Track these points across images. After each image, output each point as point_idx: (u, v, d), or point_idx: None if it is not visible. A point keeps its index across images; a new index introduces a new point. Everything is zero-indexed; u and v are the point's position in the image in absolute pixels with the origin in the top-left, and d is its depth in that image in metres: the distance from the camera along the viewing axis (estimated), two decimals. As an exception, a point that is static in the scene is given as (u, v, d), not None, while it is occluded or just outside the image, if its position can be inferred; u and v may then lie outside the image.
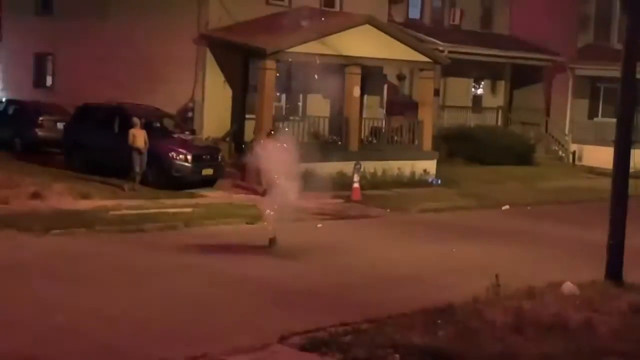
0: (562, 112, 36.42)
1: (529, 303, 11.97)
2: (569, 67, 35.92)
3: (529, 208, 23.62)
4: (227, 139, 25.43)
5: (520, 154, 32.70)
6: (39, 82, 31.61)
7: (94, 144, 23.43)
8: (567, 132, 36.11)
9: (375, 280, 13.98)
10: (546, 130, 36.42)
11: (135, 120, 21.87)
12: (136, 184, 21.48)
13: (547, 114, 36.66)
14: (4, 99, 30.99)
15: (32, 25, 31.35)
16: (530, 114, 35.76)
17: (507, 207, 23.45)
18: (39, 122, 27.29)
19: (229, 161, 24.27)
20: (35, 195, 19.47)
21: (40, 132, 27.14)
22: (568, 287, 12.88)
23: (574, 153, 35.35)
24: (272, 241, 15.75)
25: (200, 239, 16.56)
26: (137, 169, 21.50)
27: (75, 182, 21.55)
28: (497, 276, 12.38)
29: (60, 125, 26.33)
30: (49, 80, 31.52)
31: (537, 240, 18.63)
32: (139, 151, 21.53)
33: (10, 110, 28.67)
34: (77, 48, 29.38)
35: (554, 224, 21.01)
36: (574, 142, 35.59)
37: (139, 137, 21.60)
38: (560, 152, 36.10)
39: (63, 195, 19.89)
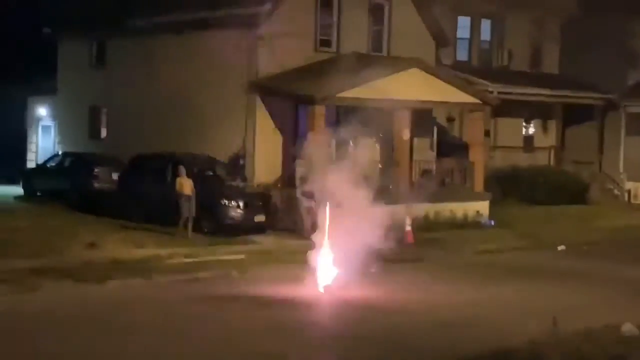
0: (616, 150, 35.99)
1: (588, 345, 11.76)
2: (620, 104, 35.56)
3: (585, 248, 23.29)
4: (279, 185, 25.54)
5: (574, 193, 32.33)
6: (93, 133, 32.15)
7: (147, 193, 23.71)
8: (621, 170, 35.64)
9: (429, 324, 13.87)
10: (600, 169, 35.98)
11: (182, 168, 22.15)
12: (187, 231, 21.66)
13: (601, 152, 36.25)
14: (60, 152, 31.60)
15: (86, 78, 31.98)
16: (583, 152, 35.38)
17: (563, 247, 23.16)
18: (94, 173, 27.74)
19: (280, 207, 24.35)
20: (91, 246, 19.74)
21: (95, 183, 27.56)
22: (628, 328, 12.63)
23: (629, 191, 34.83)
24: (327, 287, 15.72)
25: (255, 286, 16.59)
26: (186, 216, 21.70)
27: (130, 232, 21.81)
28: (554, 318, 12.21)
29: (115, 176, 26.72)
30: (103, 132, 32.05)
31: (593, 280, 18.36)
32: (187, 198, 21.76)
33: (67, 163, 29.24)
34: (130, 99, 29.89)
35: (611, 264, 20.68)
36: (628, 180, 35.10)
37: (186, 184, 21.87)
38: (615, 191, 35.59)
39: (118, 245, 20.13)
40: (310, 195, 23.60)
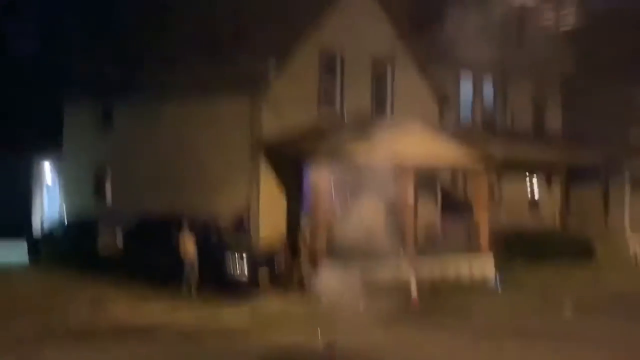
0: (621, 208, 35.98)
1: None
2: (625, 163, 35.65)
3: (594, 307, 23.11)
4: (283, 243, 25.49)
5: (580, 252, 32.21)
6: (99, 195, 32.20)
7: (152, 254, 23.67)
8: (627, 227, 35.56)
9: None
10: (606, 227, 35.93)
11: (185, 228, 22.18)
12: (191, 291, 21.59)
13: (606, 211, 36.23)
14: (65, 214, 31.61)
15: (92, 140, 32.14)
16: (588, 211, 35.38)
17: (572, 308, 22.98)
18: (100, 236, 27.68)
19: (285, 266, 24.29)
20: (95, 308, 19.64)
21: (100, 246, 27.48)
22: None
23: (636, 255, 34.69)
24: (328, 345, 15.59)
25: (260, 348, 16.45)
26: (190, 277, 21.66)
27: (135, 294, 21.71)
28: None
29: (120, 238, 26.68)
30: (108, 194, 32.08)
31: (601, 343, 18.17)
32: (190, 259, 21.75)
33: (73, 227, 29.22)
34: (135, 161, 30.02)
35: (621, 325, 20.51)
36: (635, 238, 34.98)
37: (188, 245, 21.87)
38: (622, 250, 35.44)
39: (123, 309, 20.02)
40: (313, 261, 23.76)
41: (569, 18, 26.68)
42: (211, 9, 30.02)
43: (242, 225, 26.16)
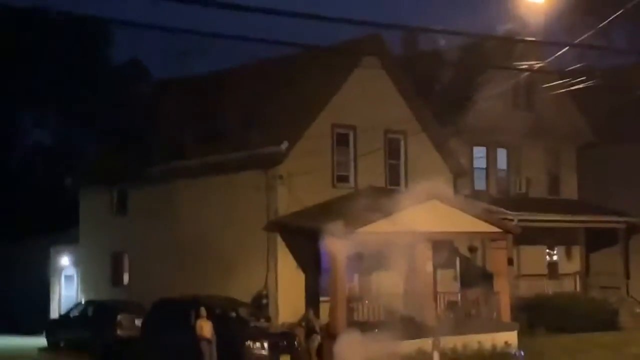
0: (642, 273, 35.59)
1: None
2: (642, 227, 35.37)
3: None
4: (303, 323, 25.26)
5: (603, 320, 31.75)
6: (116, 280, 32.16)
7: (171, 338, 23.45)
8: (649, 292, 35.13)
9: None
10: (628, 293, 35.46)
11: (202, 310, 22.02)
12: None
13: (627, 276, 35.81)
14: (83, 301, 31.53)
15: (108, 225, 32.24)
16: (609, 277, 34.95)
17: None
18: (117, 320, 27.54)
19: (305, 346, 24.00)
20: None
21: (119, 331, 27.31)
22: None
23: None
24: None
25: None
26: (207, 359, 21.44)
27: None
28: None
29: (138, 322, 26.50)
30: (125, 278, 32.05)
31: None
32: (208, 341, 21.54)
33: (89, 311, 29.12)
34: (151, 244, 30.03)
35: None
36: (657, 303, 34.53)
37: (206, 327, 21.70)
38: (644, 314, 34.94)
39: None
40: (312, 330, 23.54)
41: (581, 80, 26.72)
42: (219, 95, 30.35)
43: (261, 305, 25.98)
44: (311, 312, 24.64)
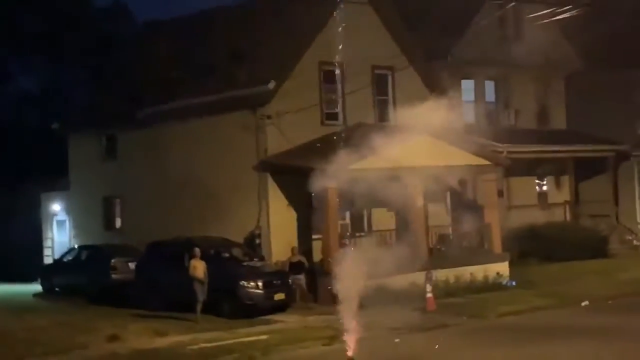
0: (631, 201, 35.86)
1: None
2: (632, 154, 35.51)
3: (609, 302, 23.00)
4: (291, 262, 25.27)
5: (593, 248, 32.10)
6: (108, 224, 32.26)
7: (165, 280, 23.65)
8: (638, 220, 35.42)
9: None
10: (617, 221, 35.77)
11: (195, 250, 22.14)
12: (197, 312, 21.55)
13: (616, 203, 36.07)
14: (76, 246, 31.66)
15: (98, 170, 32.22)
16: (598, 205, 35.20)
17: (586, 303, 22.89)
18: (112, 264, 27.70)
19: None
20: (113, 338, 19.61)
21: (113, 275, 27.49)
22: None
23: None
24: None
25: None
26: (200, 299, 21.62)
27: (151, 321, 21.69)
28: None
29: (132, 266, 26.68)
30: (118, 222, 32.15)
31: (620, 335, 18.04)
32: (200, 281, 21.72)
33: (83, 256, 29.27)
34: (142, 188, 30.06)
35: (638, 317, 20.38)
36: (646, 229, 34.88)
37: (199, 267, 21.84)
38: (634, 242, 35.30)
39: (140, 335, 19.99)
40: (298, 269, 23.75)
41: (568, 9, 26.58)
42: (207, 35, 30.09)
43: (254, 245, 26.14)
44: (297, 251, 24.74)
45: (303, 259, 24.53)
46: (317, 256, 25.19)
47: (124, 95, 31.21)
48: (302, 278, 24.19)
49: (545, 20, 29.07)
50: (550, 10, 28.02)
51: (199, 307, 21.66)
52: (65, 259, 30.20)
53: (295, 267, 24.26)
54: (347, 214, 27.74)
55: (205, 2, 31.76)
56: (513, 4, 30.68)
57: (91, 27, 44.75)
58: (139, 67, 32.50)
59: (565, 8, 26.74)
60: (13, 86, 47.15)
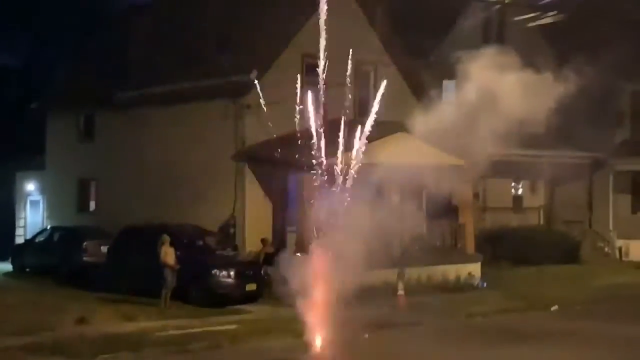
0: (605, 208, 36.10)
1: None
2: (608, 162, 35.75)
3: (578, 308, 23.17)
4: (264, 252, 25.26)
5: (565, 253, 32.32)
6: (82, 207, 32.12)
7: (136, 265, 23.55)
8: (611, 228, 35.69)
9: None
10: (590, 227, 36.03)
11: (166, 237, 22.08)
12: (166, 299, 21.52)
13: (590, 210, 36.33)
14: (48, 227, 31.49)
15: (74, 151, 32.07)
16: (572, 211, 35.43)
17: (556, 307, 23.05)
18: (83, 247, 27.59)
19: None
20: (81, 321, 19.53)
21: (85, 257, 27.37)
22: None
23: (620, 249, 34.83)
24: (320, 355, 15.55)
25: (246, 357, 16.38)
26: (169, 286, 21.59)
27: (120, 305, 21.62)
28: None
29: (104, 249, 26.58)
30: (92, 205, 32.01)
31: (589, 341, 18.20)
32: (171, 268, 21.68)
33: (55, 237, 29.12)
34: (118, 171, 29.95)
35: (606, 323, 20.55)
36: (619, 237, 35.13)
37: (169, 254, 21.80)
38: (606, 249, 35.57)
39: (109, 319, 19.92)
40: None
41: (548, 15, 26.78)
42: (192, 21, 29.97)
43: (229, 234, 26.11)
44: (268, 242, 24.70)
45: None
46: (291, 249, 25.15)
47: (104, 77, 31.04)
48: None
49: (530, 25, 29.21)
50: (535, 14, 28.15)
51: (166, 293, 21.62)
52: (37, 240, 30.03)
53: (270, 259, 24.21)
54: (323, 208, 27.70)
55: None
56: (498, 6, 30.76)
57: (75, 5, 44.34)
58: (121, 48, 32.29)
59: (549, 14, 26.88)
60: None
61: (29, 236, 32.97)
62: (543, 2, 26.14)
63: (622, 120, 36.58)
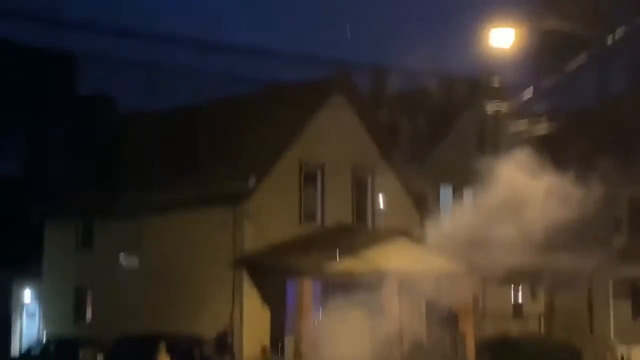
0: (606, 314, 35.77)
1: None
2: (607, 269, 35.59)
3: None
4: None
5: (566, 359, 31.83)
6: (79, 316, 31.70)
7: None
8: (612, 334, 35.28)
9: None
10: (591, 334, 35.60)
11: (162, 346, 21.83)
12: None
13: (591, 317, 35.98)
14: (44, 339, 31.00)
15: (72, 259, 31.84)
16: (573, 318, 35.08)
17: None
18: (79, 357, 27.14)
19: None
20: None
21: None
22: None
23: (622, 356, 34.34)
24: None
25: None
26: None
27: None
28: None
29: (100, 359, 26.15)
30: (89, 314, 31.61)
31: None
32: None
33: (51, 349, 28.65)
34: (116, 280, 29.68)
35: None
36: (621, 343, 34.69)
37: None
38: (608, 356, 35.06)
39: None
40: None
41: (542, 125, 27.12)
42: (190, 129, 30.30)
43: (225, 342, 25.77)
44: (268, 349, 24.39)
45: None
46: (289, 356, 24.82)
47: (103, 185, 31.12)
48: None
49: (525, 137, 29.52)
50: (529, 124, 28.49)
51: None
52: (32, 352, 29.46)
53: None
54: (321, 315, 27.49)
55: (190, 95, 32.07)
56: (491, 114, 31.16)
57: (73, 115, 44.81)
58: (119, 157, 32.49)
59: (543, 124, 27.19)
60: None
61: (23, 348, 32.36)
62: (538, 113, 26.54)
63: (619, 227, 36.65)
